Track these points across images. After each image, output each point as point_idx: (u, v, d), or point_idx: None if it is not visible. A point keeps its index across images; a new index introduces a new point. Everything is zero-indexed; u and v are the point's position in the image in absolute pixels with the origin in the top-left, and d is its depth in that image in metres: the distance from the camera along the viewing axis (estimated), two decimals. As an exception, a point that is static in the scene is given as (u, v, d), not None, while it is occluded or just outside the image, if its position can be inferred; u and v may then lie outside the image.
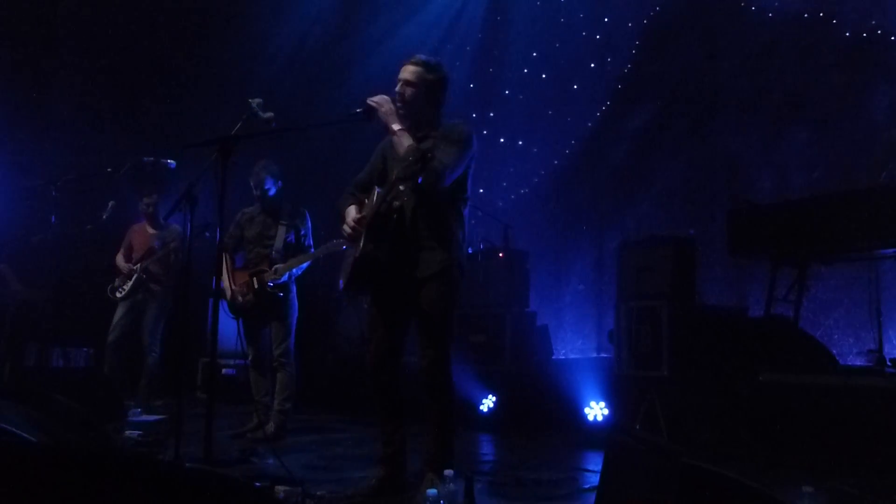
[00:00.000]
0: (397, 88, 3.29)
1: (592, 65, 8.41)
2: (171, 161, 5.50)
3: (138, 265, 5.93)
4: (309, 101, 8.04)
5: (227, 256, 5.07)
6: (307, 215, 5.16)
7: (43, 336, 6.95)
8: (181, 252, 5.96)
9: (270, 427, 4.86)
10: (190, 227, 3.43)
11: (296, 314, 5.05)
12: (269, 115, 3.41)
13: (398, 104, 3.28)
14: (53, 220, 6.14)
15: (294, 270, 4.93)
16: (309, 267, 5.02)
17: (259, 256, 4.99)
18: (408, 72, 3.30)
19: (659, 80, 7.72)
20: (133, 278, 5.92)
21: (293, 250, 4.99)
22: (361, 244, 3.22)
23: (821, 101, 6.74)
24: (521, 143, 8.87)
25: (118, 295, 5.94)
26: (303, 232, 5.09)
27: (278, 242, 4.96)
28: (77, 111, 8.09)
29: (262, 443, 4.58)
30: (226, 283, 5.00)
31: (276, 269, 4.87)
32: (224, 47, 8.34)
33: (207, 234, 5.26)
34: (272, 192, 5.06)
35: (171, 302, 6.04)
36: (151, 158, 5.54)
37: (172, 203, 3.44)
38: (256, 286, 4.91)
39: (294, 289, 5.05)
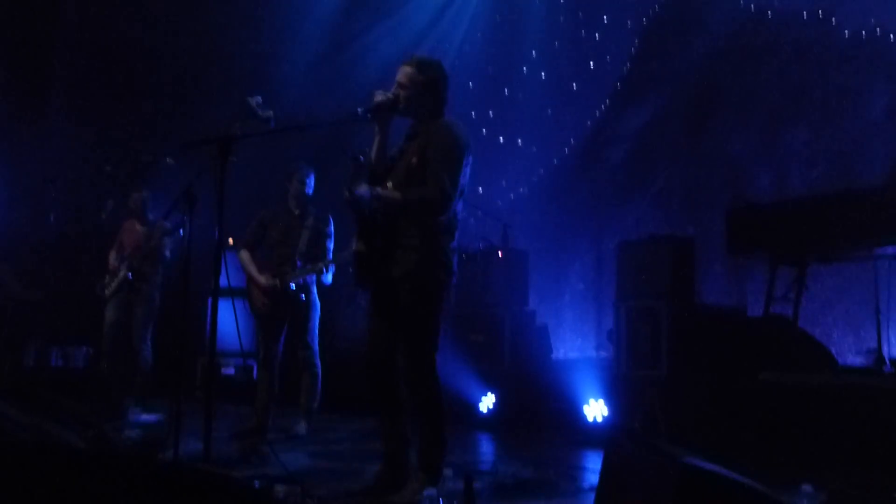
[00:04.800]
0: (392, 90, 3.30)
1: (592, 64, 8.40)
2: (170, 160, 5.51)
3: (124, 263, 5.88)
4: (308, 101, 8.03)
5: (248, 253, 5.09)
6: (331, 220, 5.15)
7: (42, 336, 6.95)
8: (167, 246, 5.90)
9: (302, 427, 4.96)
10: (189, 226, 3.43)
11: (318, 315, 5.07)
12: (269, 113, 3.41)
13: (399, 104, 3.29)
14: (52, 219, 6.15)
15: (322, 277, 4.95)
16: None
17: (282, 257, 4.98)
18: (401, 73, 3.32)
19: (658, 79, 7.72)
20: (119, 276, 5.87)
21: (315, 254, 4.99)
22: (354, 244, 3.32)
23: (820, 100, 6.74)
24: (520, 142, 8.87)
25: (106, 292, 5.89)
26: (327, 237, 5.08)
27: (302, 245, 4.96)
28: (76, 110, 8.09)
29: (261, 442, 4.58)
30: (256, 276, 4.98)
31: (298, 271, 4.89)
32: (223, 46, 8.33)
33: (182, 230, 5.22)
34: (311, 190, 5.08)
35: (158, 299, 5.98)
36: (150, 157, 5.54)
37: (171, 202, 3.44)
38: (279, 287, 4.91)
39: (315, 290, 5.06)
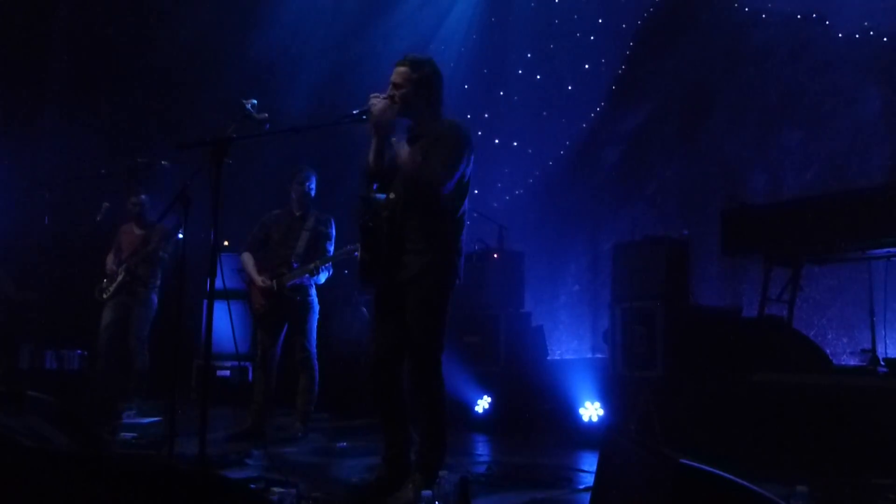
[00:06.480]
0: (388, 91, 3.30)
1: (587, 66, 8.42)
2: (166, 162, 5.50)
3: (122, 266, 5.88)
4: (305, 103, 8.03)
5: (250, 255, 5.12)
6: (332, 222, 5.17)
7: (37, 338, 6.93)
8: (165, 249, 5.90)
9: (298, 429, 4.97)
10: (184, 228, 3.43)
11: (316, 316, 5.10)
12: (264, 115, 3.40)
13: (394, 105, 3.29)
14: (47, 221, 6.13)
15: (315, 277, 4.97)
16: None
17: (280, 258, 5.02)
18: (395, 73, 3.33)
19: (653, 81, 7.74)
20: (117, 280, 5.87)
21: (313, 256, 5.01)
22: (358, 253, 3.36)
23: (814, 102, 6.77)
24: (515, 143, 8.88)
25: (104, 296, 5.89)
26: (326, 238, 5.11)
27: (300, 247, 4.99)
28: (71, 112, 8.07)
29: (256, 444, 4.57)
30: (255, 276, 5.00)
31: (293, 272, 4.93)
32: (221, 48, 8.33)
33: (180, 234, 5.22)
34: (313, 192, 5.11)
35: (157, 303, 5.97)
36: (146, 159, 5.54)
37: (167, 204, 3.44)
38: (276, 288, 4.94)
39: (314, 291, 5.08)
